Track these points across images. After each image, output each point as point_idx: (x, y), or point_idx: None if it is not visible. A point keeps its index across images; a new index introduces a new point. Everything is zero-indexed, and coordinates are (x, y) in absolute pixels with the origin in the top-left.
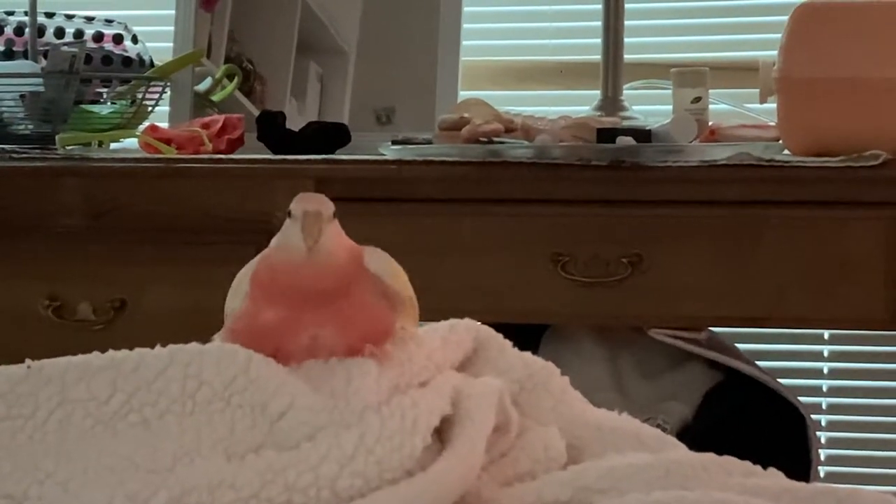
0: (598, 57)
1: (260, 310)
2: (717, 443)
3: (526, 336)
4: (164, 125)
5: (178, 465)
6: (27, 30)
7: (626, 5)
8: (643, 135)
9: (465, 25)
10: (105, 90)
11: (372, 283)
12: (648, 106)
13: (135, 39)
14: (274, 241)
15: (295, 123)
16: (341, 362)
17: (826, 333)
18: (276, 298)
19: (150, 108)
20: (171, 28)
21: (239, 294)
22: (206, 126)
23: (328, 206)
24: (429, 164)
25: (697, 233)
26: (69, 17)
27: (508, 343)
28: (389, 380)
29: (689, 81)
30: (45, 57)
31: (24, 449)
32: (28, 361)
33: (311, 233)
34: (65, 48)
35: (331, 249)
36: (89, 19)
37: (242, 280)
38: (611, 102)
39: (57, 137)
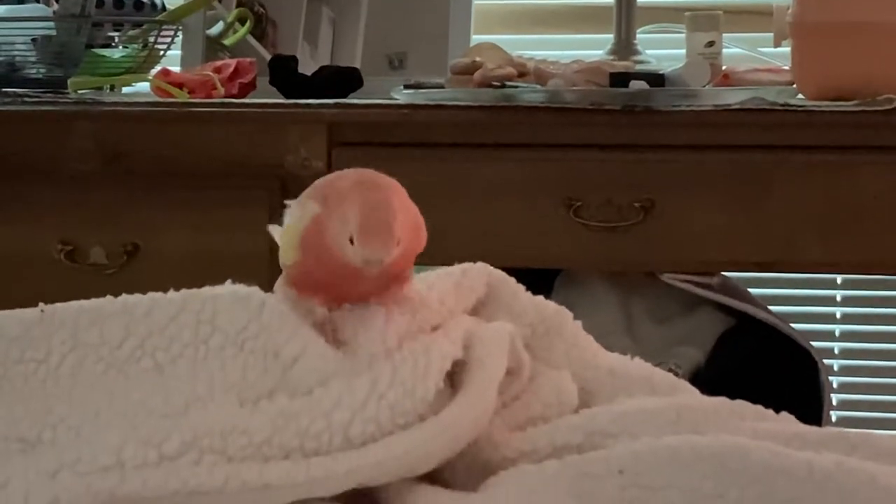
0: (611, 0)
1: (309, 270)
2: (729, 387)
3: (538, 281)
4: (175, 69)
5: (191, 410)
6: None
7: None
8: (656, 79)
9: None
10: (117, 34)
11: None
12: (661, 50)
13: None
14: (325, 216)
15: (307, 68)
16: (351, 311)
17: (839, 278)
18: (320, 277)
19: (161, 53)
20: None
21: (292, 245)
22: (217, 70)
23: (389, 251)
24: (441, 109)
25: (710, 177)
26: None
27: (521, 287)
28: (399, 326)
29: (703, 25)
30: (57, 0)
31: (37, 393)
32: (41, 305)
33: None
34: None
35: (383, 261)
36: None
37: (293, 232)
38: (624, 46)
39: (69, 81)
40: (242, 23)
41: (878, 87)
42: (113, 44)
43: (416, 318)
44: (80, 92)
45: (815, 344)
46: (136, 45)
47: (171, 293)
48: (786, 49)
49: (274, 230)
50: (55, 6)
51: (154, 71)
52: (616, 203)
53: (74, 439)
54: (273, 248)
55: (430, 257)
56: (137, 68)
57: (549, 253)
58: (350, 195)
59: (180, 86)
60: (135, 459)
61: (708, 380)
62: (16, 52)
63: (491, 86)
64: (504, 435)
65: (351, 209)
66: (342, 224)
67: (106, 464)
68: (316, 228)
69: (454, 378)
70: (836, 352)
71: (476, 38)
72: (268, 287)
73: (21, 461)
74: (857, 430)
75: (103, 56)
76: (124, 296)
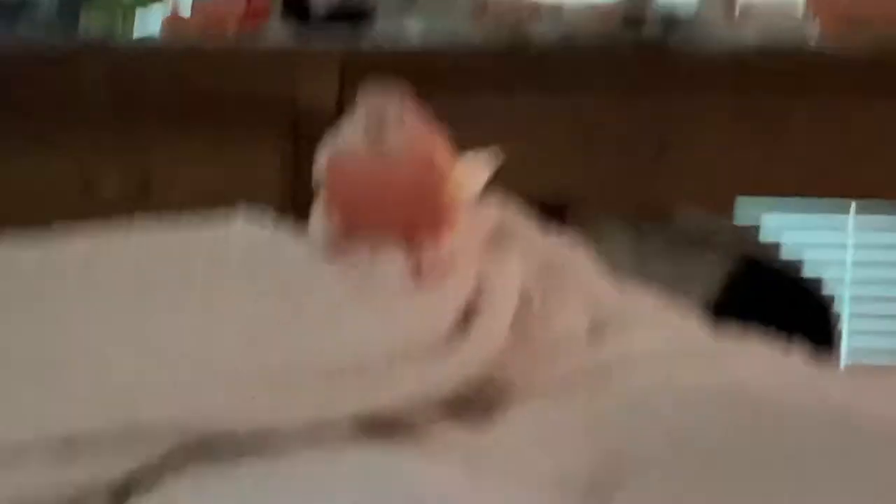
0: None
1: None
2: (740, 324)
3: (552, 220)
4: (187, 3)
5: (204, 339)
6: None
7: None
8: (671, 19)
9: None
10: None
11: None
12: None
13: None
14: (344, 131)
15: (320, 4)
16: (374, 245)
17: (851, 208)
18: (342, 197)
19: None
20: None
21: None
22: (231, 4)
23: (394, 106)
24: (455, 49)
25: (725, 116)
26: None
27: (534, 223)
28: (416, 263)
29: None
30: None
31: (53, 320)
32: (57, 235)
33: (373, 136)
34: None
35: (397, 152)
36: None
37: (322, 148)
38: None
39: (81, 16)
40: None
41: (894, 22)
42: None
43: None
44: (93, 27)
45: (826, 273)
46: None
47: (184, 224)
48: None
49: None
50: None
51: (167, 5)
52: (631, 141)
53: (90, 366)
54: (284, 183)
55: None
56: (149, 2)
57: (563, 191)
58: (365, 104)
59: (193, 20)
60: (150, 386)
61: (719, 317)
62: None
63: (506, 27)
64: (515, 368)
65: (361, 110)
66: (354, 124)
67: (121, 390)
68: (332, 157)
69: (467, 314)
70: (848, 281)
71: None
72: (279, 219)
73: (38, 386)
74: (868, 364)
75: None
76: (138, 227)
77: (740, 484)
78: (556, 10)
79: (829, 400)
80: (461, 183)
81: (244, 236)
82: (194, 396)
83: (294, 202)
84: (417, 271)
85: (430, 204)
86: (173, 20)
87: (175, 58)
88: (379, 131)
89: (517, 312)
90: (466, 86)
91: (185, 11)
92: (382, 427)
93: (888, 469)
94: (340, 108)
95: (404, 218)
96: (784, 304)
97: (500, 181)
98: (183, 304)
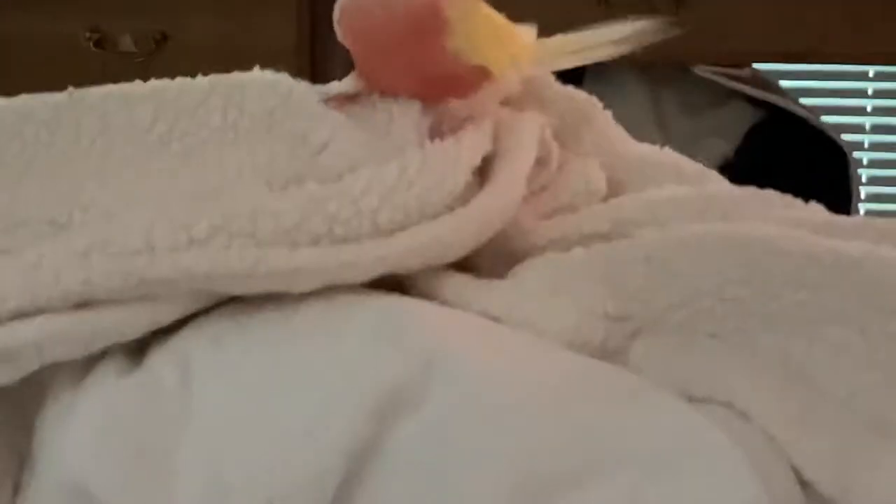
0: None
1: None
2: (758, 179)
3: (567, 74)
4: None
5: (220, 195)
6: None
7: None
8: None
9: None
10: None
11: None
12: None
13: None
14: None
15: None
16: (384, 100)
17: (871, 70)
18: (353, 45)
19: None
20: None
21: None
22: None
23: None
24: None
25: None
26: None
27: (551, 76)
28: (432, 116)
29: None
30: None
31: (68, 176)
32: (70, 89)
33: None
34: None
35: None
36: None
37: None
38: None
39: None
40: None
41: None
42: None
43: (447, 109)
44: None
45: (845, 136)
46: None
47: (200, 78)
48: None
49: None
50: None
51: None
52: None
53: (105, 222)
54: (301, 38)
55: None
56: None
57: None
58: None
59: None
60: (165, 242)
61: (737, 172)
62: None
63: None
64: (532, 223)
65: None
66: None
67: (136, 247)
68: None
69: (483, 169)
70: (866, 144)
71: None
72: (295, 76)
73: (52, 242)
74: (885, 219)
75: None
76: (153, 80)
77: (753, 332)
78: None
79: (848, 250)
80: (476, 35)
81: (260, 88)
82: (210, 254)
83: (312, 59)
84: (436, 130)
85: (436, 54)
86: None
87: None
88: None
89: (534, 166)
90: None
91: None
92: (395, 286)
93: None
94: None
95: (412, 67)
96: (804, 151)
97: None
98: (198, 158)
